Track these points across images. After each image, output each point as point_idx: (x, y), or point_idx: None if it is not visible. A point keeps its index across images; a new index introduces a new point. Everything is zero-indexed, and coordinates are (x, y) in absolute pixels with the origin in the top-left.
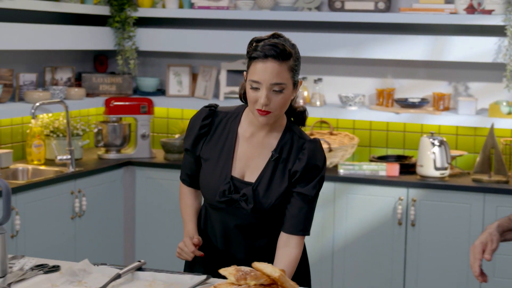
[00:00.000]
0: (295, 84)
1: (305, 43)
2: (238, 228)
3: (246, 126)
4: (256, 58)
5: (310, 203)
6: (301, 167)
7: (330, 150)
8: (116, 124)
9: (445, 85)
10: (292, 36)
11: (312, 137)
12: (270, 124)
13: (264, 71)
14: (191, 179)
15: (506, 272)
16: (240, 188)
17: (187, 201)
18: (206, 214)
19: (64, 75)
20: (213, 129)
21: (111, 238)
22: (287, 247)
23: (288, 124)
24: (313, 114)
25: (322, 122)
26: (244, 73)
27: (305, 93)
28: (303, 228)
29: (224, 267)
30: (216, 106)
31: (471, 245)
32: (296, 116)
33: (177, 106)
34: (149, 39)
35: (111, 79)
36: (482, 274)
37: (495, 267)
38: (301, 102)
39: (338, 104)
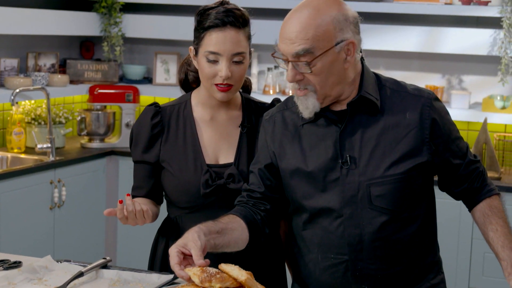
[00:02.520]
0: (250, 53)
1: None
2: None
3: (201, 110)
4: (212, 26)
5: None
6: None
7: None
8: (100, 112)
9: (439, 77)
10: None
11: None
12: (229, 100)
13: (224, 41)
14: (147, 190)
15: (495, 271)
16: (221, 173)
17: (141, 202)
18: (180, 228)
19: (47, 61)
20: (165, 126)
21: (92, 230)
22: None
23: (243, 95)
24: None
25: None
26: (191, 48)
27: None
28: None
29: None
30: (159, 104)
31: (460, 242)
32: (242, 88)
33: (164, 95)
34: (136, 26)
35: (96, 66)
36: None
37: (484, 266)
38: (289, 92)
39: None
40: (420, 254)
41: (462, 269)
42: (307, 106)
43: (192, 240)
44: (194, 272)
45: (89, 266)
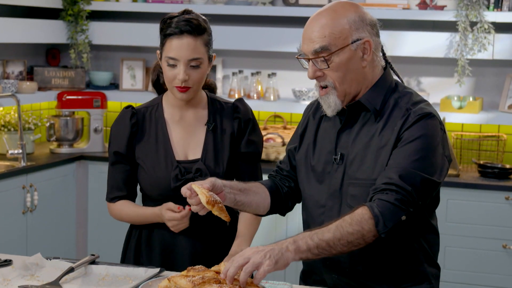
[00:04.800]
0: (210, 58)
1: (259, 38)
2: None
3: (171, 110)
4: (172, 34)
5: (259, 159)
6: (238, 125)
7: (284, 144)
8: (68, 118)
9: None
10: (246, 31)
11: (265, 132)
12: (190, 99)
13: (181, 47)
14: (128, 191)
15: (455, 264)
16: (189, 168)
17: (131, 205)
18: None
19: (15, 68)
20: (139, 127)
21: (63, 233)
22: None
23: (209, 95)
24: (267, 109)
25: (276, 116)
26: (158, 52)
27: (259, 88)
28: None
29: (193, 260)
30: (133, 106)
31: None
32: (208, 90)
33: (131, 100)
34: (102, 33)
35: (63, 72)
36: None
37: (445, 259)
38: (254, 96)
39: (292, 98)
40: (393, 260)
41: None
42: (329, 105)
43: (208, 179)
44: (203, 191)
45: (79, 262)
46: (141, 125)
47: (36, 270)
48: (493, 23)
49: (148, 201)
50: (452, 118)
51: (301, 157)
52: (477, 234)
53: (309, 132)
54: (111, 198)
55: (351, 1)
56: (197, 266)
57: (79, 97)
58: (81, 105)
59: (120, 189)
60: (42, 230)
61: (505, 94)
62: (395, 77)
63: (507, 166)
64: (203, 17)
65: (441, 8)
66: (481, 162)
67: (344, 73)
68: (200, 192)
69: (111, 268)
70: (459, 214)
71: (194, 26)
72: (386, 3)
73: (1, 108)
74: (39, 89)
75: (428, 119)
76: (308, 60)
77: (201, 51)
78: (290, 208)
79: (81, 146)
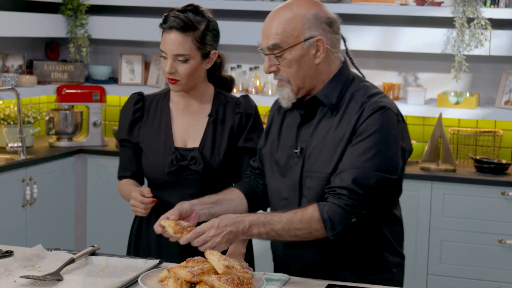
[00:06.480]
0: (207, 55)
1: (258, 33)
2: (194, 197)
3: (177, 100)
4: (164, 28)
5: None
6: (239, 120)
7: None
8: (68, 112)
9: (395, 75)
10: (245, 26)
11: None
12: (187, 91)
13: (168, 42)
14: (132, 171)
15: (452, 258)
16: (186, 156)
17: (128, 183)
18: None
19: (15, 62)
20: (145, 112)
21: (62, 226)
22: None
23: (217, 90)
24: (265, 103)
25: None
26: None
27: (257, 82)
28: None
29: (182, 250)
30: (142, 93)
31: (418, 231)
32: (222, 84)
33: (129, 95)
34: (102, 27)
35: (62, 66)
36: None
37: (441, 253)
38: (253, 90)
39: None
40: (354, 249)
41: (421, 257)
42: (283, 96)
43: (175, 207)
44: (169, 224)
45: (79, 253)
46: (146, 111)
47: (37, 261)
48: (490, 19)
49: (150, 185)
50: (448, 114)
51: (266, 152)
52: (473, 228)
53: (274, 127)
54: (119, 176)
55: None
56: (196, 257)
57: (78, 91)
58: (80, 99)
59: (125, 169)
60: (41, 223)
61: (501, 90)
62: (355, 71)
63: (503, 161)
64: (205, 15)
65: (438, 4)
66: (478, 157)
67: (297, 69)
68: (167, 225)
69: (111, 259)
70: (455, 208)
71: (182, 23)
72: None
73: (1, 102)
74: (39, 82)
75: (382, 112)
76: (266, 54)
77: (188, 47)
78: (269, 204)
79: (80, 139)
